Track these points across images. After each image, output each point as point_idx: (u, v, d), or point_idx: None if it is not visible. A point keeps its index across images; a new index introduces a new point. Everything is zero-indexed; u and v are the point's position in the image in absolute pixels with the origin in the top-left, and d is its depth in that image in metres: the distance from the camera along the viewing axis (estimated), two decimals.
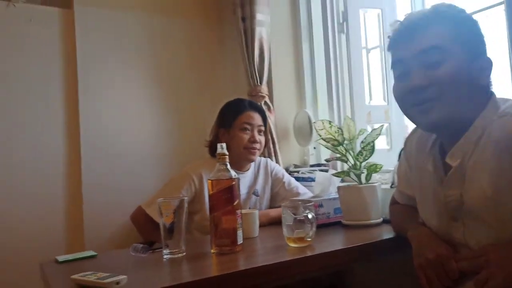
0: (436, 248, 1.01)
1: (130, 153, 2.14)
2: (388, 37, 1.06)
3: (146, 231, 1.73)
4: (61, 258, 1.33)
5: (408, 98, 1.00)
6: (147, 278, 1.07)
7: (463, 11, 1.01)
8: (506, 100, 0.99)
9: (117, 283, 0.97)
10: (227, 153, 1.30)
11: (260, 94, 2.12)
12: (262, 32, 2.12)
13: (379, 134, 1.52)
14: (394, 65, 1.04)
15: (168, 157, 2.22)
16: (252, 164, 1.87)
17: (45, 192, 1.98)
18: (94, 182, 2.04)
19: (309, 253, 1.20)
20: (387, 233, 1.36)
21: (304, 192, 1.85)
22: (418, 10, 1.61)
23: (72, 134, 2.03)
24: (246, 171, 1.85)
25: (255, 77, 2.12)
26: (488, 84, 1.00)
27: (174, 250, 1.24)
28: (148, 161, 2.18)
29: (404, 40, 1.01)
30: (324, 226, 1.51)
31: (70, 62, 2.05)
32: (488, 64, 0.99)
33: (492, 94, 1.00)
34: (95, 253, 1.37)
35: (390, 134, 2.11)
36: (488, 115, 0.96)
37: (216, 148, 1.32)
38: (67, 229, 2.01)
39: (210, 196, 1.28)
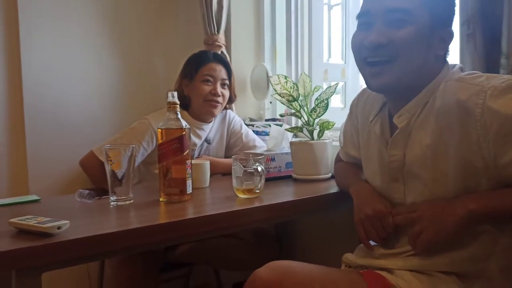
0: (375, 204, 1.07)
1: (78, 98, 2.03)
2: None
3: (99, 177, 1.65)
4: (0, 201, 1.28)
5: (363, 52, 1.01)
6: (91, 224, 1.05)
7: None
8: (454, 66, 1.03)
9: (59, 227, 0.92)
10: (177, 101, 1.27)
11: (216, 43, 2.04)
12: None
13: (334, 92, 1.54)
14: (360, 15, 1.03)
15: (117, 104, 2.13)
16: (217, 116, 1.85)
17: None
18: (38, 128, 1.93)
19: (256, 204, 1.22)
20: (334, 188, 1.40)
21: (261, 145, 1.85)
22: None
23: (13, 74, 1.88)
24: (210, 122, 1.82)
25: (212, 25, 2.04)
26: (444, 54, 1.02)
27: (121, 197, 1.22)
28: (97, 107, 2.08)
29: None
30: (275, 179, 1.53)
31: (11, 8, 1.87)
32: (449, 36, 1.00)
33: (446, 62, 1.03)
34: (38, 198, 1.33)
35: (345, 92, 2.14)
36: (438, 81, 1.00)
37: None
38: (9, 172, 1.92)
39: (159, 145, 1.25)
